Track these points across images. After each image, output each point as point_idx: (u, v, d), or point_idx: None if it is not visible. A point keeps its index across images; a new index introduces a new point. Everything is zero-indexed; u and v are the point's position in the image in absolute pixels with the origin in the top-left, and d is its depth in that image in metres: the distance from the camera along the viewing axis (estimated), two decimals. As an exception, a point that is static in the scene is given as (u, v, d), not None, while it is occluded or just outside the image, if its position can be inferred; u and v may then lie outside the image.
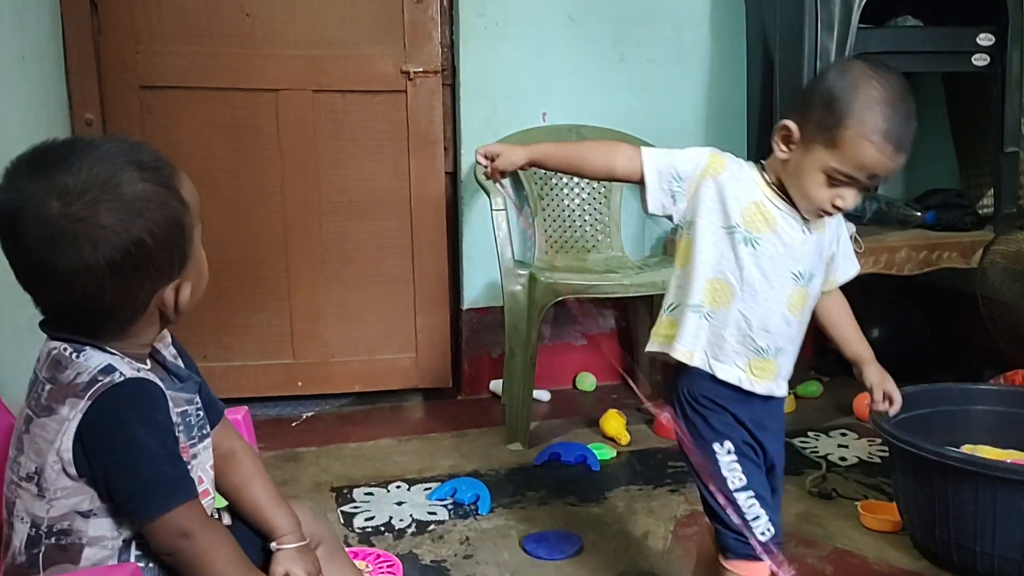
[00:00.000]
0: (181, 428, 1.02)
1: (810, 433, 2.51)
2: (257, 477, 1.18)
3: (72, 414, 0.93)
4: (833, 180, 1.25)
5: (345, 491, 2.18)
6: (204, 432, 1.09)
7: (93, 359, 0.95)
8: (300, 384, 2.76)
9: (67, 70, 2.42)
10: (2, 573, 1.00)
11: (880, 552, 1.87)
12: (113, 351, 0.97)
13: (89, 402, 0.92)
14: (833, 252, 1.40)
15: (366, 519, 2.03)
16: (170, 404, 0.99)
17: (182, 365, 1.11)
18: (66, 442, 0.93)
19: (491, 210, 2.42)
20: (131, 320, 0.97)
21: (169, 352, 1.11)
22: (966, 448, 1.90)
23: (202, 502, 1.05)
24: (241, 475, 1.17)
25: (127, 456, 0.92)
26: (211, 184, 2.60)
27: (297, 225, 2.68)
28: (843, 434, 2.51)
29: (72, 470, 0.93)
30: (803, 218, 1.31)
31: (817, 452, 2.38)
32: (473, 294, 2.85)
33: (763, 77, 2.65)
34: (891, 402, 1.50)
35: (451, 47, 2.74)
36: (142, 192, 0.93)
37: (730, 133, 2.94)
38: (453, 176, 2.80)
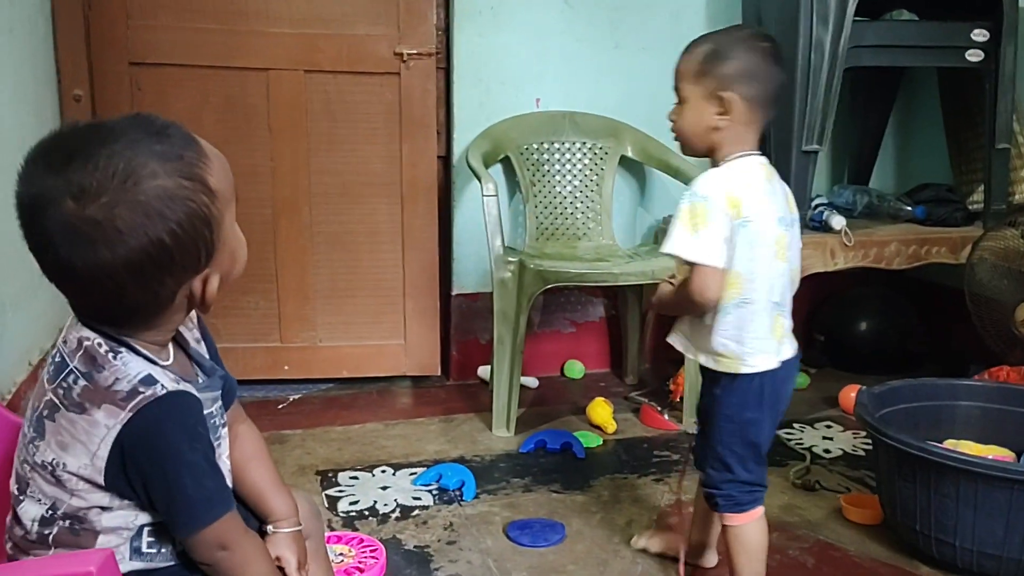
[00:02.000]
0: (209, 430, 1.00)
1: (795, 425, 2.52)
2: (259, 459, 1.17)
3: (111, 423, 0.90)
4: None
5: (330, 475, 2.18)
6: (224, 421, 1.09)
7: (132, 365, 0.93)
8: (287, 368, 2.75)
9: (56, 44, 2.39)
10: (6, 545, 1.00)
11: (861, 545, 1.88)
12: (144, 351, 0.95)
13: (131, 414, 0.90)
14: None
15: (350, 503, 2.03)
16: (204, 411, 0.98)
17: (205, 352, 1.09)
18: (103, 451, 0.91)
19: (482, 196, 2.41)
20: (155, 314, 0.95)
21: (192, 336, 1.08)
22: (949, 443, 1.91)
23: None
24: (244, 455, 1.16)
25: (171, 471, 0.91)
26: (201, 163, 2.58)
27: (287, 207, 2.67)
28: (828, 426, 2.52)
29: (99, 479, 0.92)
30: None
31: (802, 444, 2.39)
32: (463, 279, 2.84)
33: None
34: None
35: (446, 30, 2.72)
36: (163, 190, 0.88)
37: (724, 123, 2.93)
38: (445, 160, 2.79)
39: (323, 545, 1.29)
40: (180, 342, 1.05)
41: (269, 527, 1.14)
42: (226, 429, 1.09)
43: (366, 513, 1.98)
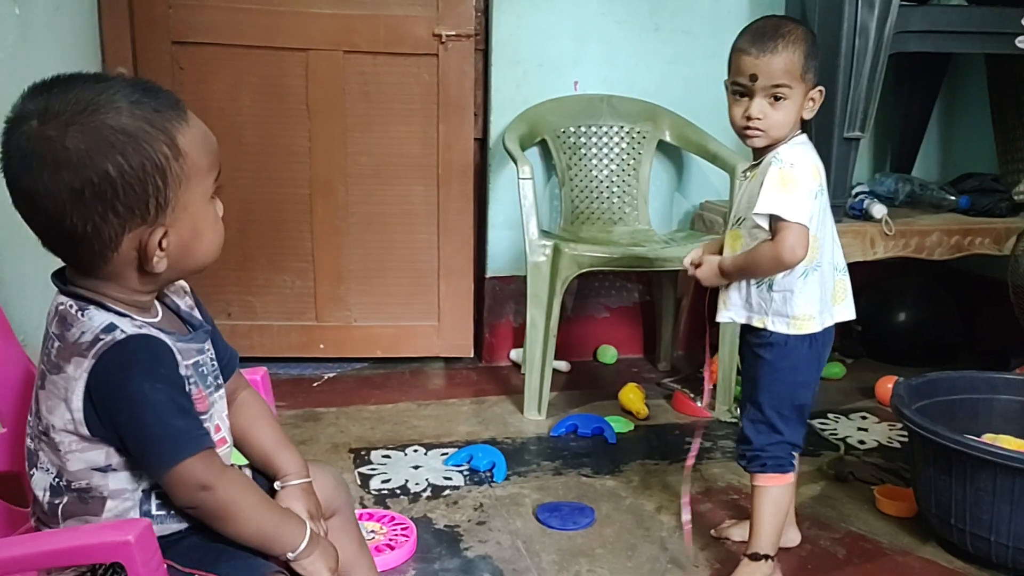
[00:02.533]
0: (194, 379, 1.02)
1: (830, 415, 2.50)
2: (263, 419, 1.18)
3: (78, 373, 0.93)
4: (735, 96, 1.56)
5: (363, 453, 2.20)
6: (219, 382, 1.10)
7: (96, 318, 0.95)
8: (322, 346, 2.78)
9: (101, 23, 2.43)
10: (34, 519, 1.02)
11: (894, 537, 1.87)
12: (115, 307, 0.97)
13: (93, 361, 0.93)
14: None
15: (382, 481, 2.05)
16: (178, 357, 0.99)
17: (199, 315, 1.11)
18: (76, 402, 0.93)
19: (518, 178, 2.41)
20: (102, 256, 0.94)
21: (184, 302, 1.10)
22: (987, 437, 1.88)
23: (220, 449, 1.06)
24: (247, 417, 1.17)
25: (134, 412, 0.93)
26: (239, 142, 2.61)
27: (323, 187, 2.69)
28: (863, 417, 2.50)
29: (84, 430, 0.94)
30: (750, 169, 1.61)
31: (836, 434, 2.37)
32: (497, 262, 2.85)
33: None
34: None
35: (484, 11, 2.71)
36: (122, 125, 0.91)
37: (764, 108, 2.90)
38: (482, 143, 2.79)
39: (353, 516, 1.30)
40: (171, 307, 1.07)
41: (277, 483, 1.15)
42: (223, 391, 1.10)
43: (397, 492, 2.00)
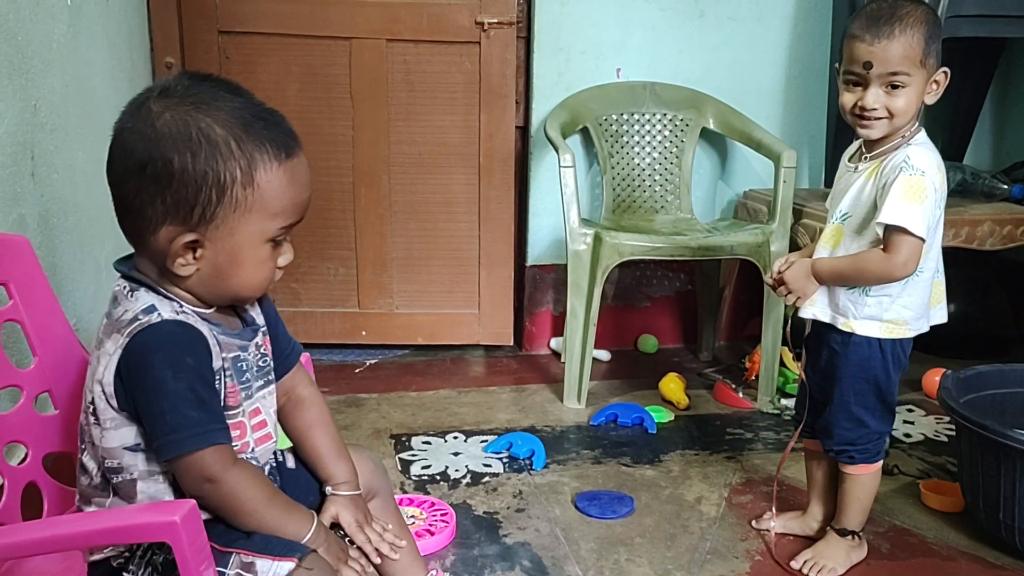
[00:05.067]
0: (230, 372, 1.03)
1: (875, 407, 2.46)
2: (322, 425, 1.20)
3: (114, 349, 0.96)
4: (847, 85, 1.49)
5: (404, 439, 2.22)
6: (269, 379, 1.11)
7: (141, 299, 0.98)
8: (364, 334, 2.81)
9: (149, 14, 2.47)
10: (78, 495, 1.05)
11: (940, 532, 1.84)
12: (164, 290, 0.99)
13: (127, 339, 0.95)
14: (875, 198, 1.50)
15: (423, 467, 2.07)
16: (216, 349, 1.00)
17: (257, 314, 1.12)
18: (108, 376, 0.96)
19: (559, 167, 2.40)
20: (141, 233, 0.97)
21: None
22: (1038, 432, 1.83)
23: (261, 446, 1.08)
24: (307, 421, 1.19)
25: (152, 395, 0.94)
26: (284, 131, 2.63)
27: (366, 175, 2.71)
28: (910, 410, 2.45)
29: (114, 402, 0.97)
30: (858, 159, 1.57)
31: (881, 427, 2.34)
32: (537, 251, 2.84)
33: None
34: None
35: (527, -1, 2.71)
36: (209, 131, 0.94)
37: (812, 94, 2.85)
38: (524, 131, 2.78)
39: (392, 500, 1.32)
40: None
41: (328, 488, 1.16)
42: (274, 387, 1.12)
43: (437, 478, 2.02)
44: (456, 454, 2.14)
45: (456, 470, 2.06)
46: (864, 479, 1.65)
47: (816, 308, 1.58)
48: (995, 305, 2.89)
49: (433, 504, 1.85)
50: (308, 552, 0.98)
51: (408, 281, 2.80)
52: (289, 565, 0.95)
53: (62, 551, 1.07)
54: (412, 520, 1.77)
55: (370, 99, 2.66)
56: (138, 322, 0.96)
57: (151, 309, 0.97)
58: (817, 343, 1.64)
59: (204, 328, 0.99)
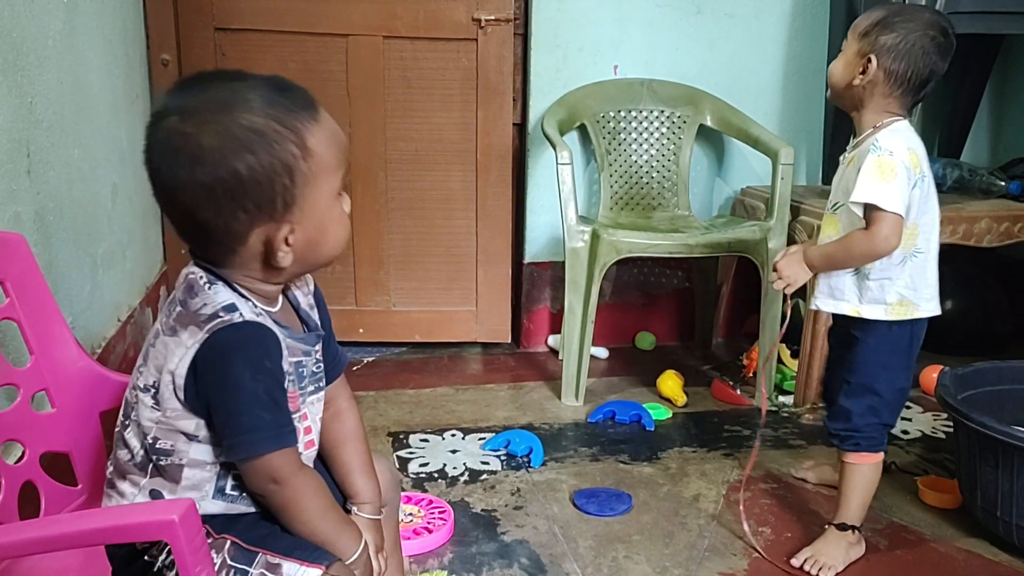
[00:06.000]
0: (293, 377, 1.03)
1: (872, 404, 2.46)
2: (356, 440, 1.18)
3: (191, 342, 0.95)
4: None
5: (401, 436, 2.22)
6: (319, 385, 1.10)
7: (221, 294, 0.97)
8: (361, 331, 2.80)
9: (145, 9, 2.46)
10: (111, 468, 1.04)
11: (937, 529, 1.84)
12: (240, 288, 0.99)
13: (207, 335, 0.94)
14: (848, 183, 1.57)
15: (420, 465, 2.06)
16: (285, 352, 1.00)
17: (316, 317, 1.12)
18: (181, 368, 0.95)
19: (557, 164, 2.40)
20: (231, 250, 0.97)
21: (307, 300, 1.11)
22: (1036, 429, 1.84)
23: (306, 452, 1.07)
24: (343, 433, 1.17)
25: (229, 396, 0.94)
26: (281, 128, 2.63)
27: (363, 172, 2.70)
28: (907, 407, 2.45)
29: (180, 395, 0.96)
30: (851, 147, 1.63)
31: (879, 424, 2.34)
32: (535, 248, 2.84)
33: (846, 33, 2.54)
34: None
35: (524, -5, 2.70)
36: (253, 124, 0.93)
37: (809, 90, 2.85)
38: (521, 128, 2.78)
39: (396, 514, 1.31)
40: (292, 302, 1.09)
41: (352, 507, 1.15)
42: (322, 393, 1.11)
43: (435, 475, 2.02)
44: (454, 452, 2.14)
45: (454, 468, 2.06)
46: (866, 469, 1.67)
47: (819, 300, 1.65)
48: (993, 302, 2.89)
49: (431, 502, 1.84)
50: (335, 560, 0.98)
51: (405, 278, 2.80)
52: (316, 572, 0.95)
53: (60, 550, 1.06)
54: (410, 518, 1.77)
55: (367, 96, 2.65)
56: (220, 319, 0.95)
57: (232, 308, 0.96)
58: (835, 334, 1.74)
59: (278, 331, 0.99)
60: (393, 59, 2.64)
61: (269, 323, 0.99)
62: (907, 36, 1.53)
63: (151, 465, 1.00)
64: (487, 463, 2.08)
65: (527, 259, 2.85)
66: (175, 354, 0.96)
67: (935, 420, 2.37)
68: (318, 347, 1.09)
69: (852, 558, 1.70)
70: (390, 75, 2.65)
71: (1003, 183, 2.60)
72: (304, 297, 1.11)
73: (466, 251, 2.79)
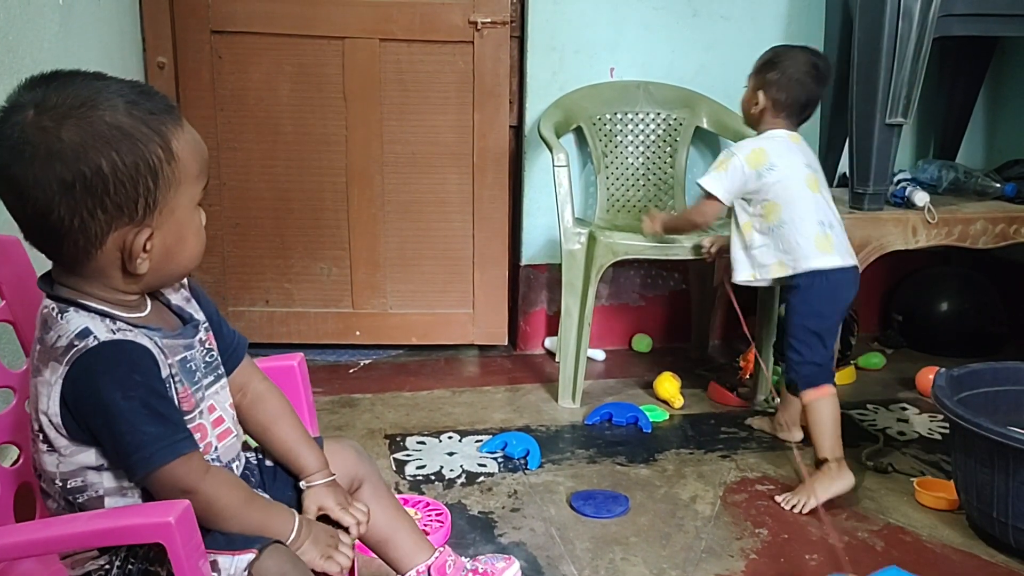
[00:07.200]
0: (179, 376, 1.01)
1: (869, 405, 2.47)
2: (283, 417, 1.19)
3: (54, 379, 0.93)
4: None
5: (398, 439, 2.22)
6: (219, 373, 1.09)
7: (73, 321, 0.94)
8: (358, 334, 2.80)
9: (141, 13, 2.46)
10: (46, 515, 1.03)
11: (934, 530, 1.84)
12: (97, 306, 0.96)
13: (67, 367, 0.92)
14: None
15: (417, 467, 2.06)
16: (161, 357, 0.98)
17: (193, 309, 1.10)
18: (53, 406, 0.94)
19: (553, 166, 2.40)
20: (86, 253, 0.93)
21: (179, 295, 1.09)
22: (1032, 430, 1.84)
23: (222, 443, 1.07)
24: (268, 415, 1.18)
25: (108, 420, 0.92)
26: (276, 131, 2.63)
27: (359, 175, 2.70)
28: (904, 408, 2.46)
29: (63, 432, 0.95)
30: None
31: (875, 425, 2.34)
32: (531, 250, 2.84)
33: (841, 36, 2.55)
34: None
35: (520, -2, 2.70)
36: (118, 123, 0.90)
37: (803, 95, 2.85)
38: (517, 130, 2.78)
39: (381, 482, 1.31)
40: (163, 301, 1.07)
41: (303, 483, 1.16)
42: (225, 380, 1.11)
43: (432, 478, 2.02)
44: (451, 454, 2.14)
45: (451, 470, 2.05)
46: (817, 404, 1.94)
47: (737, 273, 2.06)
48: (988, 303, 2.90)
49: (428, 504, 1.84)
50: (269, 543, 0.97)
51: (402, 281, 2.79)
52: (248, 557, 0.95)
53: (56, 552, 1.06)
54: (407, 520, 1.77)
55: (363, 99, 2.65)
56: (75, 348, 0.92)
57: (85, 333, 0.93)
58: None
59: (144, 339, 0.96)
60: (389, 62, 2.64)
61: (132, 335, 0.96)
62: (786, 72, 1.98)
63: (74, 508, 0.98)
64: (484, 465, 2.08)
65: (523, 261, 2.85)
66: (43, 394, 0.94)
67: (931, 421, 2.37)
68: (201, 336, 1.07)
69: (837, 491, 1.88)
70: (386, 78, 2.65)
71: (998, 185, 2.61)
72: (175, 292, 1.09)
73: (462, 253, 2.79)
